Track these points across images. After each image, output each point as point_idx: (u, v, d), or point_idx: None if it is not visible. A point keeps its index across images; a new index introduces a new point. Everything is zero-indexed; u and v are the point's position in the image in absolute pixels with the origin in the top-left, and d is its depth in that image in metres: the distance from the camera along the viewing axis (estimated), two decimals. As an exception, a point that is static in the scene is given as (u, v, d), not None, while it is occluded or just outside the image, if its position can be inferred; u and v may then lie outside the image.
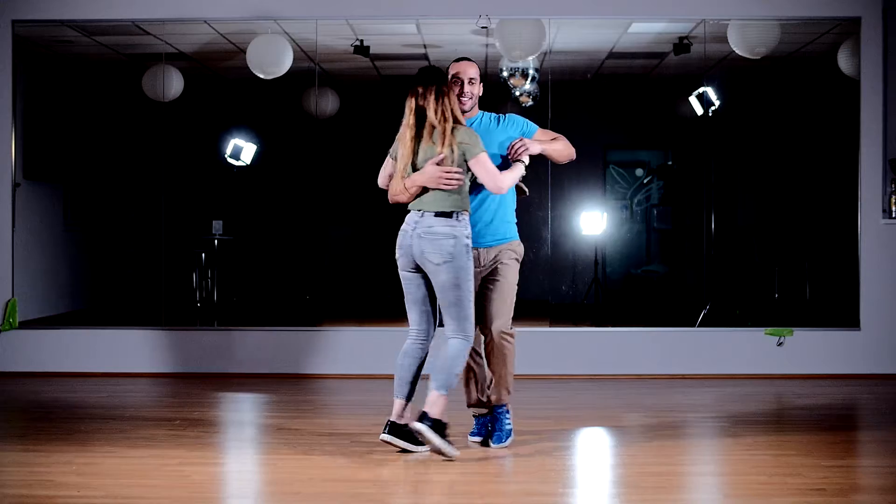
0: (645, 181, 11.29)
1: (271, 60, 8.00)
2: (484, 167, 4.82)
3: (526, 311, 8.74)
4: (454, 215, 4.82)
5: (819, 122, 9.61)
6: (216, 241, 10.05)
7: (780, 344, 7.56)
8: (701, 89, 8.70)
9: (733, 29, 7.81)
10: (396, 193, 4.91)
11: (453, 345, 4.82)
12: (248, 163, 9.91)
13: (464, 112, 5.01)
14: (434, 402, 4.77)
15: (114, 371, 7.61)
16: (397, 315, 9.85)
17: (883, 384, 7.22)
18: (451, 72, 5.06)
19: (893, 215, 7.62)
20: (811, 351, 7.57)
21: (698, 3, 7.72)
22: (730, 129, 9.68)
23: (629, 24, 8.19)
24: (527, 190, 5.24)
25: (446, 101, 4.82)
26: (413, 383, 4.94)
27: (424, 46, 8.97)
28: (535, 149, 5.07)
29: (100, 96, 10.56)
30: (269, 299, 10.52)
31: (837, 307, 8.08)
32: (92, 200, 10.53)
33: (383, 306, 11.27)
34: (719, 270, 8.97)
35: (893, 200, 7.62)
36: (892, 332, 7.60)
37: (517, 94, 8.92)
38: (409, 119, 4.85)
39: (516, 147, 5.02)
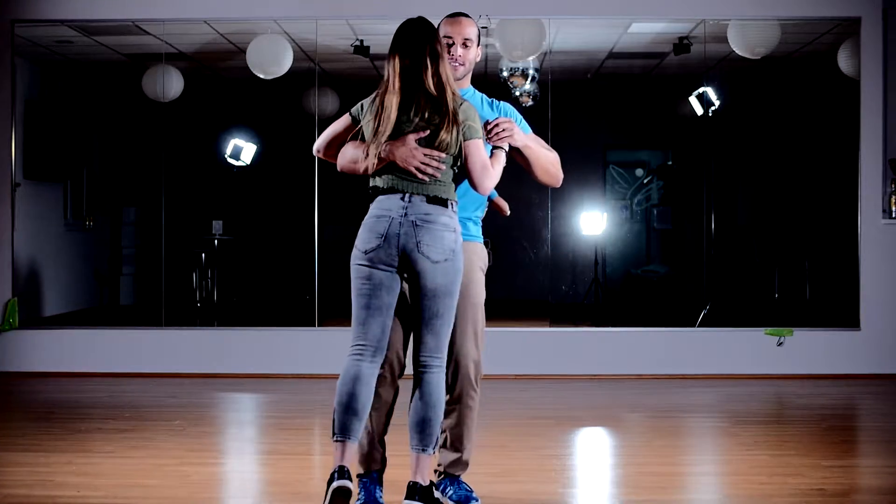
0: (645, 181, 11.29)
1: (271, 60, 8.00)
2: (480, 155, 3.78)
3: (526, 311, 8.79)
4: (449, 205, 3.79)
5: (819, 122, 9.61)
6: (216, 241, 10.06)
7: (780, 344, 7.56)
8: (701, 89, 8.70)
9: (733, 29, 7.81)
10: (358, 161, 3.81)
11: (438, 381, 3.75)
12: (248, 163, 9.91)
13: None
14: (426, 466, 3.76)
15: (114, 371, 7.60)
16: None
17: (883, 384, 7.22)
18: (441, 32, 4.01)
19: (893, 215, 7.62)
20: (811, 351, 7.56)
21: (698, 3, 7.72)
22: (730, 129, 9.68)
23: (629, 24, 8.19)
24: (507, 209, 4.17)
25: (444, 64, 3.80)
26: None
27: (424, 46, 8.97)
28: (520, 140, 3.94)
29: (100, 96, 10.56)
30: (269, 299, 10.52)
31: (837, 307, 8.08)
32: (92, 200, 10.53)
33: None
34: (719, 270, 8.97)
35: (893, 200, 7.61)
36: (892, 332, 7.60)
37: (517, 94, 8.92)
38: (394, 82, 3.76)
39: (502, 127, 3.89)
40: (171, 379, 7.45)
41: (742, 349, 7.57)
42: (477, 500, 4.00)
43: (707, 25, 7.96)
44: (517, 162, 4.04)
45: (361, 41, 8.62)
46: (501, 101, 4.17)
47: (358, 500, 3.87)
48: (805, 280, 9.70)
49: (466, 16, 4.08)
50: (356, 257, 3.77)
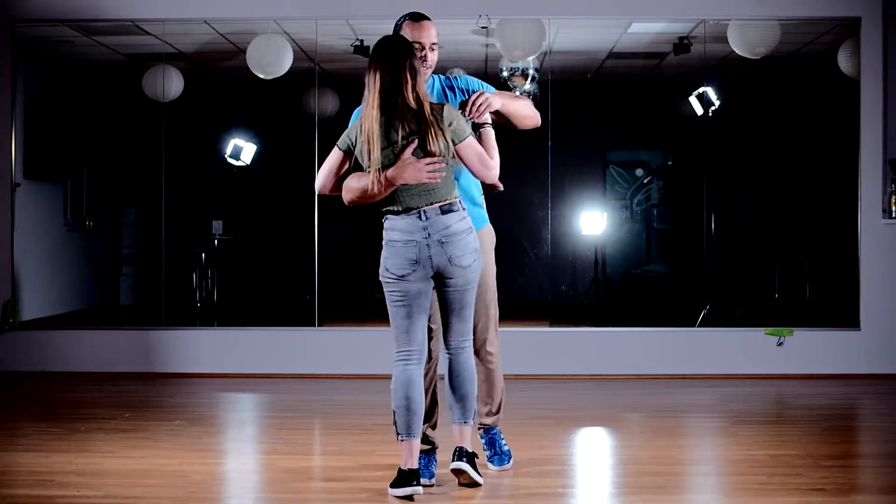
0: (645, 181, 11.29)
1: (271, 60, 8.00)
2: (474, 151, 4.03)
3: (526, 311, 8.79)
4: (458, 205, 4.06)
5: (819, 122, 9.61)
6: (216, 241, 10.06)
7: (780, 344, 7.56)
8: (701, 89, 8.70)
9: (733, 29, 7.81)
10: (368, 192, 3.98)
11: (469, 359, 4.18)
12: (248, 163, 9.91)
13: None
14: (468, 435, 4.19)
15: (114, 371, 7.60)
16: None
17: (883, 384, 7.22)
18: (408, 36, 4.19)
19: (893, 215, 7.62)
20: (811, 351, 7.57)
21: (698, 3, 7.72)
22: (730, 129, 9.68)
23: (629, 24, 8.19)
24: (500, 185, 4.23)
25: (420, 78, 4.01)
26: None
27: (424, 46, 8.96)
28: (497, 102, 4.14)
29: (100, 96, 10.56)
30: (269, 299, 10.53)
31: (837, 307, 8.08)
32: (92, 200, 10.53)
33: (382, 306, 11.28)
34: (719, 270, 8.97)
35: (893, 200, 7.62)
36: (892, 332, 7.60)
37: (517, 94, 8.92)
38: (374, 99, 3.95)
39: (478, 103, 4.08)
40: (172, 379, 7.45)
41: (742, 349, 7.57)
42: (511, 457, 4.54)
43: (707, 25, 7.96)
44: (500, 123, 4.24)
45: (361, 41, 8.62)
46: (456, 72, 4.32)
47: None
48: (805, 280, 9.70)
49: (428, 18, 4.25)
50: (390, 280, 4.08)
